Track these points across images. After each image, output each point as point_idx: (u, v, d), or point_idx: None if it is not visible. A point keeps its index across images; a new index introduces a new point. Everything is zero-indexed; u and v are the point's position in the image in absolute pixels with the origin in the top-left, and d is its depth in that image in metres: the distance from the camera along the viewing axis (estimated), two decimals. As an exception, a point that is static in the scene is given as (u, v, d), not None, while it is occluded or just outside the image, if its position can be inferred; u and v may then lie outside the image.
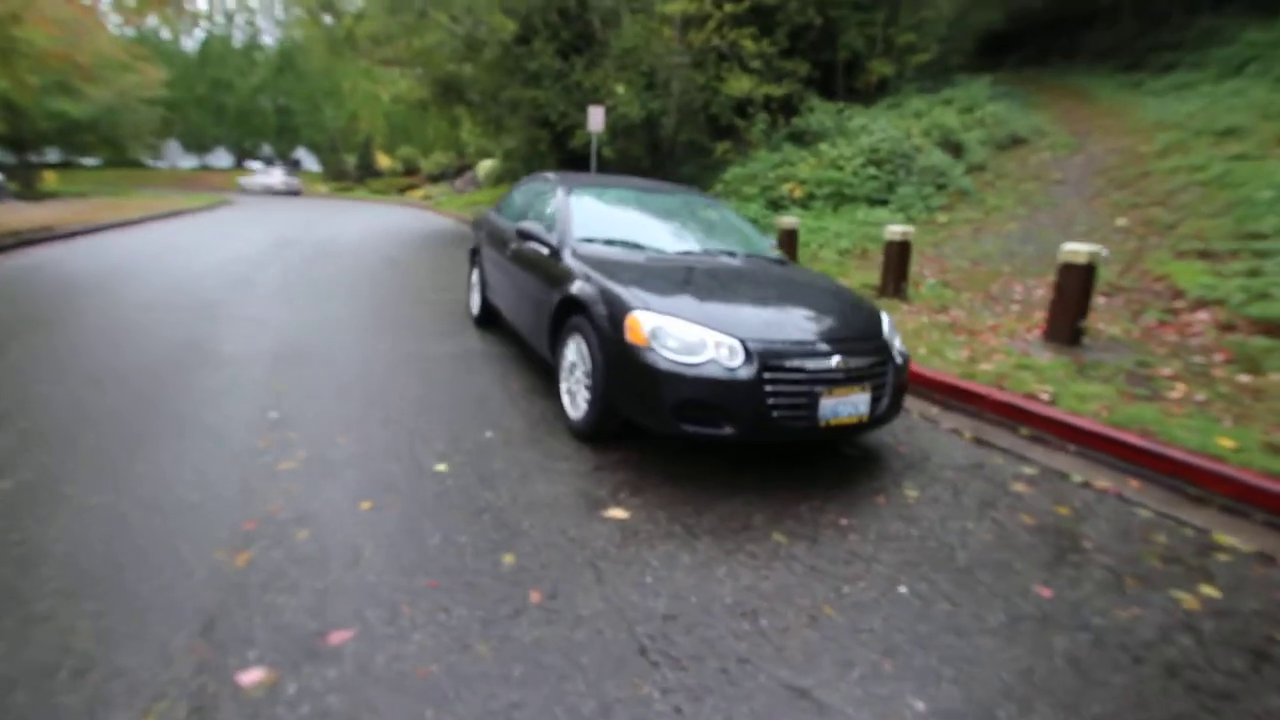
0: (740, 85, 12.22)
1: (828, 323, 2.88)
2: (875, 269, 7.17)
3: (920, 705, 1.66)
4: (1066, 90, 15.05)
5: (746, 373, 2.53)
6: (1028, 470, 3.12)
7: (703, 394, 2.54)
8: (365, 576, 2.05)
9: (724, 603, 2.01)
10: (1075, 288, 4.50)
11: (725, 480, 2.79)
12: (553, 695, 1.63)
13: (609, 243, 3.62)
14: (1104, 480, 3.02)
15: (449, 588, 2.01)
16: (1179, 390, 3.82)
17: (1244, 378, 4.00)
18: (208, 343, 4.65)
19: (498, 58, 12.40)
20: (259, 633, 1.79)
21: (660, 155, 14.15)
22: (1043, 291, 6.13)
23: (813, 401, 2.59)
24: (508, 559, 2.17)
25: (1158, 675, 1.82)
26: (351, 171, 38.79)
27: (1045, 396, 3.67)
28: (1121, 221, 7.69)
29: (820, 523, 2.52)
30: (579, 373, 3.14)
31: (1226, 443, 3.06)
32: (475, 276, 5.52)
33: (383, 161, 39.09)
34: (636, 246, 3.62)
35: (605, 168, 12.62)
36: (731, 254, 3.71)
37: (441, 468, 2.81)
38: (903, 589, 2.14)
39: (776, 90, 12.35)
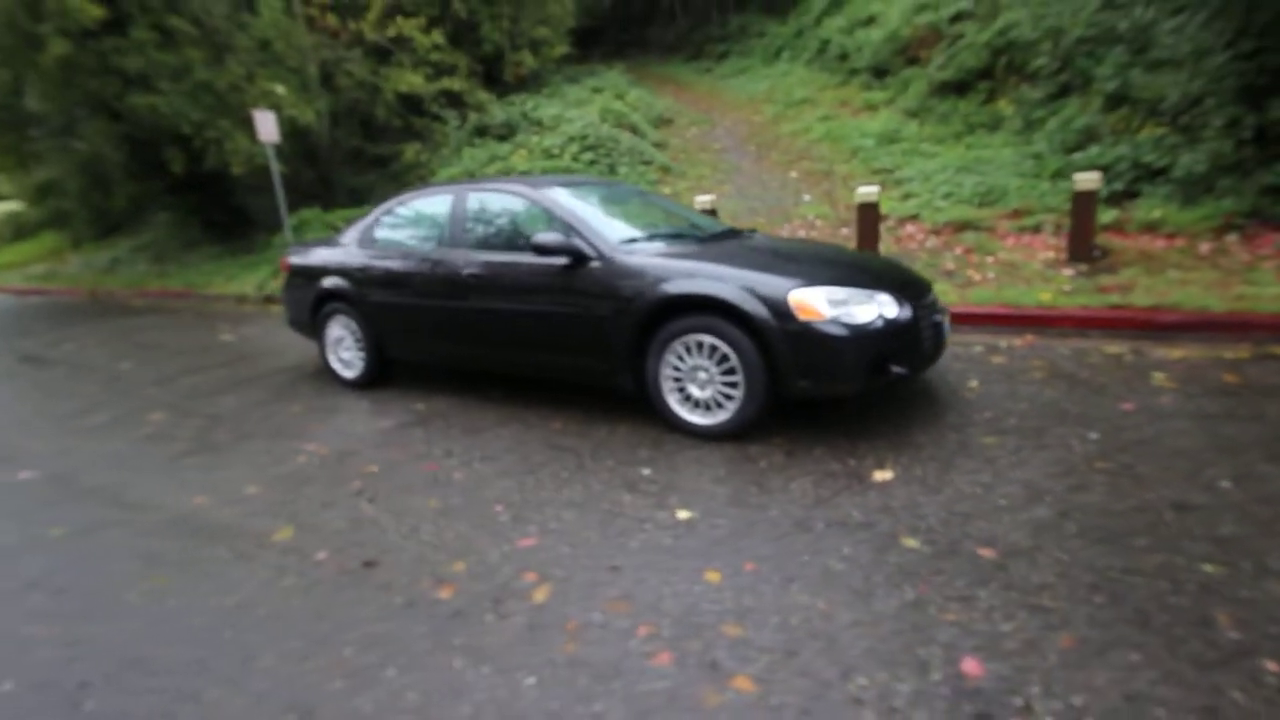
0: (410, 80, 11.53)
1: (889, 267, 3.46)
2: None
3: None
4: (662, 78, 18.04)
5: (906, 317, 2.97)
6: (977, 347, 4.26)
7: (889, 345, 2.90)
8: None
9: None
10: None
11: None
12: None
13: (651, 238, 3.52)
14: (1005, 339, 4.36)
15: None
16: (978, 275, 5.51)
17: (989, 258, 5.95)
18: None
19: (69, 55, 9.11)
20: None
21: (321, 166, 12.45)
22: (816, 232, 7.67)
23: (939, 327, 3.17)
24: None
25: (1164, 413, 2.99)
26: None
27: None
28: (794, 174, 9.99)
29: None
30: (706, 374, 3.10)
31: (1044, 295, 4.72)
32: (337, 331, 4.52)
33: None
34: (674, 237, 3.61)
35: (262, 186, 10.59)
36: (732, 231, 3.96)
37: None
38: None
39: (454, 85, 12.01)
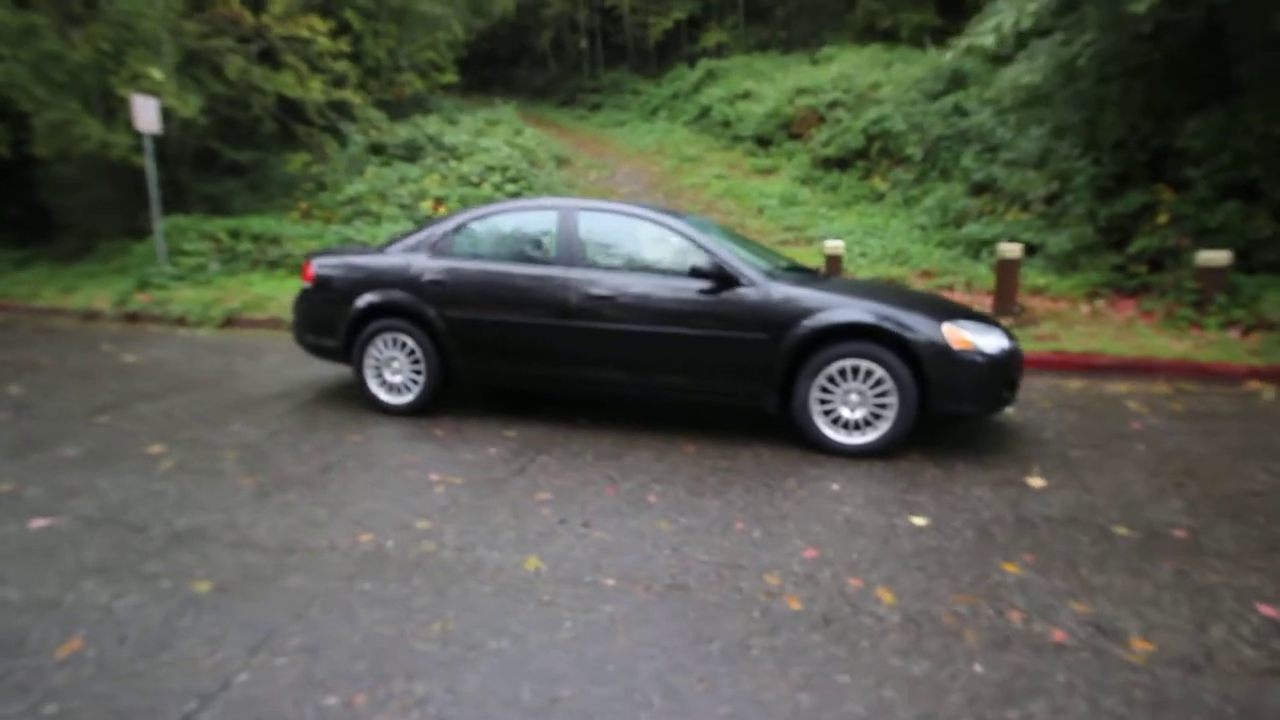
0: (308, 86, 10.54)
1: (969, 307, 4.12)
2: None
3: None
4: (540, 119, 18.30)
5: (1014, 347, 3.56)
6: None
7: (1014, 373, 3.47)
8: None
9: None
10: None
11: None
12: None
13: (774, 269, 3.78)
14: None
15: None
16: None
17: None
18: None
19: None
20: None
21: (169, 167, 10.73)
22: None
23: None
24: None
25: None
26: None
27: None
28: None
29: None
30: (859, 397, 3.43)
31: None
32: (385, 351, 4.13)
33: None
34: (788, 270, 3.93)
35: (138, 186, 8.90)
36: (808, 268, 4.37)
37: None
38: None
39: (353, 97, 11.17)
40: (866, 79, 12.50)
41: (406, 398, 4.15)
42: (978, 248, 8.18)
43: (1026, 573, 2.39)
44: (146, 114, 7.91)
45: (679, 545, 2.58)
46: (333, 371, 5.14)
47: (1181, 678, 1.85)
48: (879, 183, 11.00)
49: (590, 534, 2.67)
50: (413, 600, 2.20)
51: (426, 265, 4.06)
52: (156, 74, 8.53)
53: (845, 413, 3.48)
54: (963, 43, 8.41)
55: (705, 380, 3.67)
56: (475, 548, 2.55)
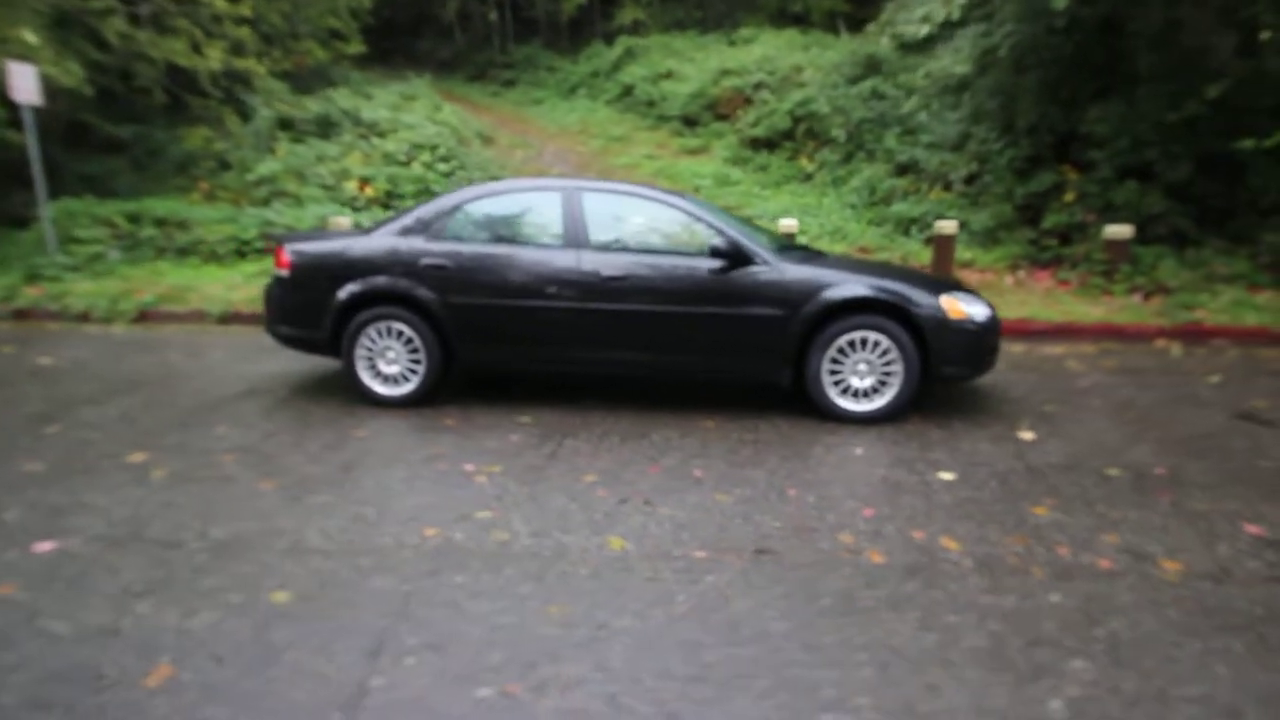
0: (208, 54, 9.60)
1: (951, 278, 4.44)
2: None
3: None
4: (451, 95, 17.54)
5: (994, 316, 3.90)
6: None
7: (996, 338, 3.80)
8: None
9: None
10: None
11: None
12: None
13: (781, 248, 3.91)
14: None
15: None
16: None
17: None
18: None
19: None
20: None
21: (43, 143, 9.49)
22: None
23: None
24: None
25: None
26: None
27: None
28: (648, 204, 10.86)
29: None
30: (867, 366, 3.66)
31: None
32: (379, 341, 3.94)
33: None
34: (791, 249, 4.07)
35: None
36: (805, 247, 4.56)
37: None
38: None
39: (259, 66, 10.26)
40: (788, 61, 12.91)
41: (405, 388, 3.98)
42: (907, 225, 8.74)
43: (1054, 514, 2.68)
44: (24, 83, 6.92)
45: (746, 514, 2.68)
46: (299, 364, 4.82)
47: (1212, 589, 2.18)
48: (806, 163, 11.44)
49: (656, 511, 2.72)
50: (515, 589, 2.17)
51: (425, 249, 3.88)
52: (30, 37, 7.47)
53: (855, 382, 3.70)
54: (888, 30, 8.90)
55: (722, 358, 3.77)
56: (550, 533, 2.53)
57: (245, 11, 10.03)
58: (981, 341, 3.71)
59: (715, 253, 3.64)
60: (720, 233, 3.74)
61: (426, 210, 4.06)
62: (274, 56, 11.45)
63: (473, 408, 4.00)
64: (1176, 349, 5.40)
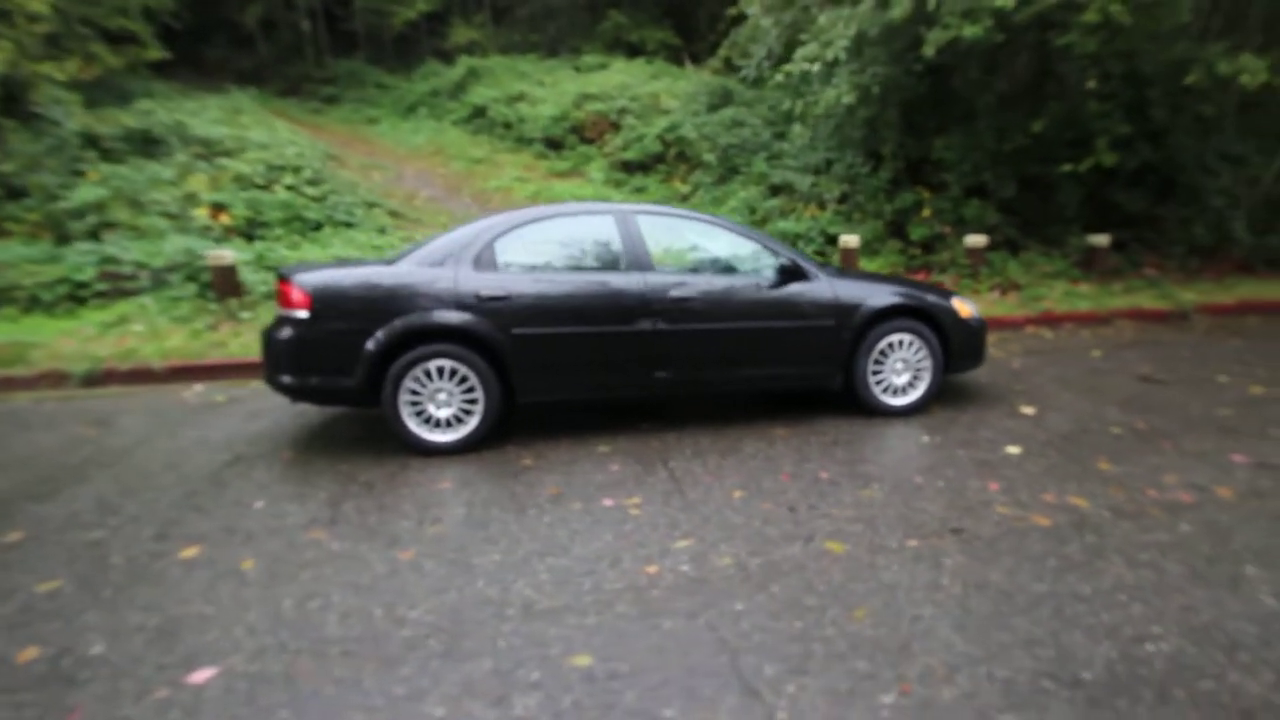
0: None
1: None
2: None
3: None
4: (268, 111, 15.77)
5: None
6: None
7: (986, 335, 4.47)
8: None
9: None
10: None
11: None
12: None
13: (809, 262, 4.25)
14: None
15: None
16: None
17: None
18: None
19: None
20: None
21: None
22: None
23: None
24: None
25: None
26: None
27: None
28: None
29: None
30: (903, 363, 4.13)
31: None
32: (424, 384, 3.59)
33: None
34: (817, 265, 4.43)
35: None
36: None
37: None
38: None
39: (57, 71, 8.41)
40: (646, 89, 13.58)
41: (460, 432, 3.64)
42: (793, 240, 9.69)
43: (1114, 467, 3.31)
44: None
45: (906, 502, 2.95)
46: (256, 420, 4.19)
47: (1260, 505, 2.88)
48: (680, 185, 12.13)
49: (832, 513, 2.87)
50: (802, 603, 2.20)
51: (477, 280, 3.60)
52: None
53: (894, 380, 4.15)
54: (749, 65, 9.89)
55: (786, 368, 4.00)
56: (761, 549, 2.57)
57: (40, 8, 8.18)
58: (982, 337, 4.38)
59: (781, 271, 3.88)
60: (775, 251, 3.99)
61: (460, 237, 3.76)
62: (63, 61, 9.41)
63: (533, 444, 3.78)
64: (1047, 333, 6.73)
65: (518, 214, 3.91)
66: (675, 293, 3.79)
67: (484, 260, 3.69)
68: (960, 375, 5.03)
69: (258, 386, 5.30)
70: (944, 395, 4.60)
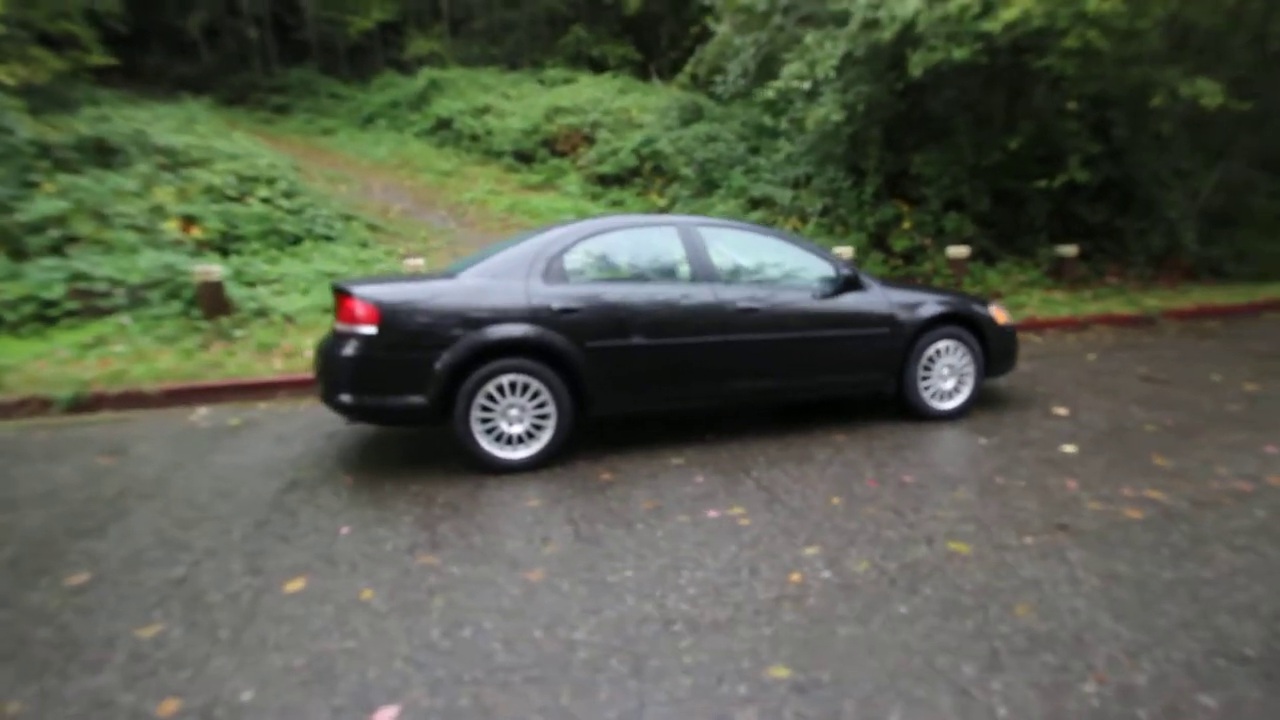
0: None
1: None
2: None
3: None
4: (221, 120, 15.03)
5: (1011, 321, 4.82)
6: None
7: (1018, 340, 4.68)
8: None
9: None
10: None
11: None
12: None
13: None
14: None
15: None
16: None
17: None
18: None
19: None
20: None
21: None
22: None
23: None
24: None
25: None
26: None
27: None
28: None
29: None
30: (949, 369, 4.27)
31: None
32: (496, 401, 3.50)
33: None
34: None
35: None
36: None
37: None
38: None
39: (6, 75, 7.77)
40: (616, 104, 13.66)
41: (532, 449, 3.54)
42: (779, 252, 9.91)
43: (1169, 462, 3.52)
44: None
45: (1001, 502, 3.04)
46: (286, 445, 4.01)
47: (1311, 489, 3.13)
48: (656, 198, 12.22)
49: (937, 515, 2.94)
50: (960, 601, 2.24)
51: (548, 292, 3.52)
52: None
53: (942, 385, 4.29)
54: (720, 82, 10.15)
55: (848, 375, 4.08)
56: (894, 554, 2.60)
57: None
58: (1015, 341, 4.59)
59: (839, 282, 3.97)
60: (831, 262, 4.08)
61: (526, 250, 3.69)
62: (9, 66, 8.72)
63: (603, 459, 3.71)
64: (1035, 338, 7.10)
65: (583, 225, 3.86)
66: (743, 304, 3.82)
67: (553, 273, 3.62)
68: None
69: (268, 408, 5.03)
70: (979, 399, 4.79)
